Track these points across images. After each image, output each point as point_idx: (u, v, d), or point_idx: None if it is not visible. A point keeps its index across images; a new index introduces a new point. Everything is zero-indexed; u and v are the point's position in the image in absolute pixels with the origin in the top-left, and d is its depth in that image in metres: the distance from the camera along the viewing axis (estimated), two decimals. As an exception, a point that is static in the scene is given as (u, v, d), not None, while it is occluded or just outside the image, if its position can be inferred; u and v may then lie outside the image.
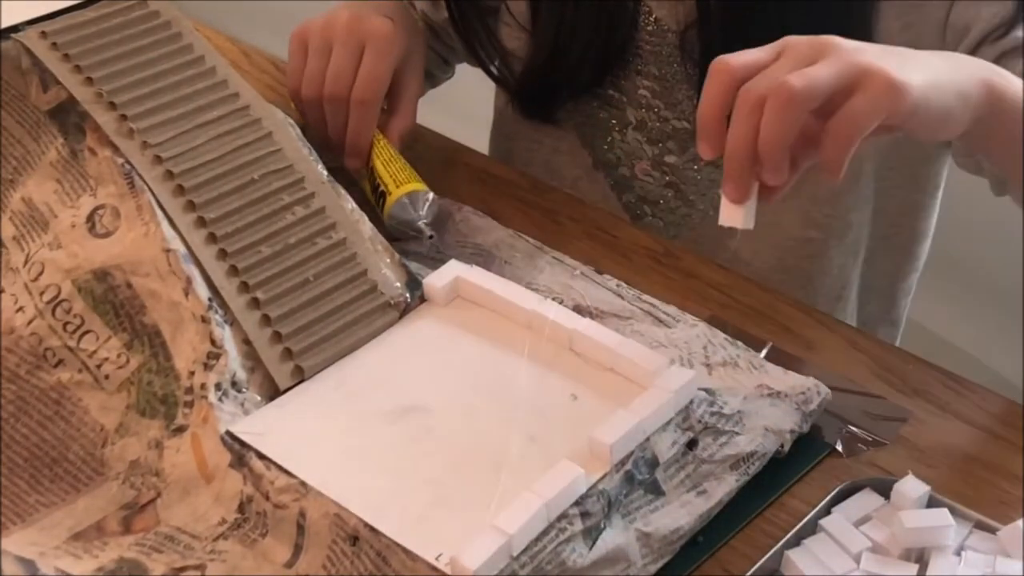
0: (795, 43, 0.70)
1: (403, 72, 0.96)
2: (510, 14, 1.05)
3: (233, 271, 0.76)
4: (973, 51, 0.90)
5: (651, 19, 1.00)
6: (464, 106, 1.13)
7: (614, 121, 1.04)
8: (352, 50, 0.93)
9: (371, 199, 0.92)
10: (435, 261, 0.84)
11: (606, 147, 1.05)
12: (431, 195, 0.90)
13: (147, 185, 0.77)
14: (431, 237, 0.89)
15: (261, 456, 0.69)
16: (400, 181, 0.90)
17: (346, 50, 0.93)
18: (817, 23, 0.86)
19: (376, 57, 0.92)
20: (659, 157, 1.03)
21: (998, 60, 0.88)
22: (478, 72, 1.09)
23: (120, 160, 0.78)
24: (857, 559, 0.66)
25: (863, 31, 0.92)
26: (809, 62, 0.68)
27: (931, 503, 0.68)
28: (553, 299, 0.79)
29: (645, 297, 0.84)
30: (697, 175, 1.02)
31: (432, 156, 0.96)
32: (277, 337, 0.75)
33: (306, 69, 0.94)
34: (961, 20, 0.91)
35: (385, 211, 0.90)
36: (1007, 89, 0.76)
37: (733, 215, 0.70)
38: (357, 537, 0.65)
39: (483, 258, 0.87)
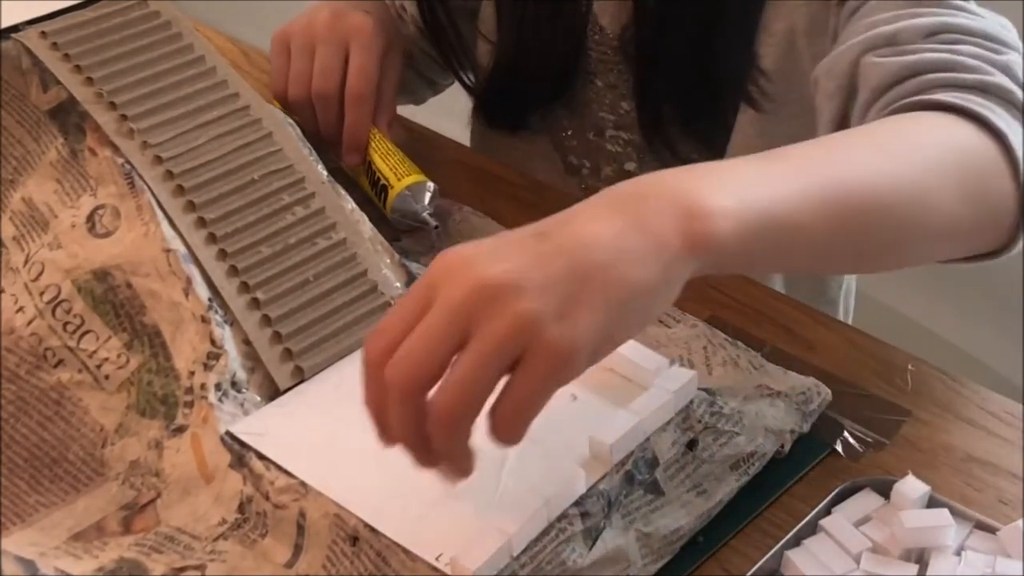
0: (448, 287, 0.57)
1: (383, 66, 0.97)
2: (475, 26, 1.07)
3: (233, 271, 0.76)
4: None
5: (596, 27, 1.01)
6: (463, 106, 1.13)
7: (577, 128, 1.05)
8: (336, 48, 0.94)
9: (371, 195, 0.92)
10: (435, 261, 0.84)
11: (573, 154, 1.06)
12: (432, 185, 0.90)
13: (147, 185, 0.77)
14: (436, 227, 0.89)
15: (261, 456, 0.69)
16: (401, 174, 0.91)
17: (331, 48, 0.94)
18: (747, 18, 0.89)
19: (363, 52, 0.94)
20: (620, 164, 1.05)
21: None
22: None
23: (120, 160, 0.78)
24: (857, 559, 0.66)
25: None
26: (463, 323, 0.56)
27: (931, 503, 0.68)
28: (553, 299, 0.79)
29: (645, 297, 0.83)
30: None
31: (432, 156, 0.96)
32: (277, 337, 0.75)
33: (291, 70, 0.95)
34: None
35: (388, 205, 0.90)
36: (713, 229, 0.60)
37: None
38: (357, 537, 0.65)
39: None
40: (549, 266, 0.57)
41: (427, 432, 0.58)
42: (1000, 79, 0.76)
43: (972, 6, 0.82)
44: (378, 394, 0.58)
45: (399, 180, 0.90)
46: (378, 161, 0.92)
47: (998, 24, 0.81)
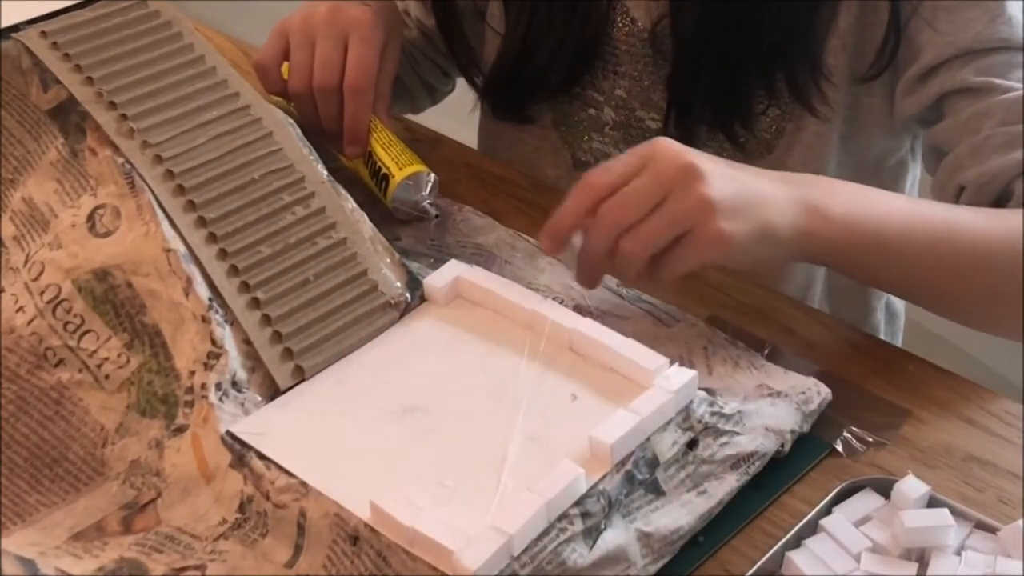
0: (660, 163, 0.76)
1: (383, 55, 0.97)
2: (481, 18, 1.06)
3: (233, 271, 0.76)
4: (925, 76, 0.92)
5: (627, 19, 1.00)
6: (465, 107, 1.13)
7: (591, 121, 1.05)
8: (336, 41, 0.94)
9: (371, 185, 0.92)
10: (435, 261, 0.84)
11: (583, 147, 1.06)
12: (433, 176, 0.91)
13: (147, 185, 0.77)
14: (437, 216, 0.89)
15: (261, 456, 0.69)
16: (402, 164, 0.91)
17: (330, 41, 0.94)
18: (783, 22, 0.93)
19: (362, 44, 0.94)
20: None
21: (943, 96, 0.90)
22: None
23: (120, 160, 0.78)
24: (857, 559, 0.66)
25: (824, 28, 0.94)
26: (663, 191, 0.74)
27: (931, 503, 0.68)
28: (553, 299, 0.79)
29: (645, 297, 0.84)
30: None
31: (433, 156, 0.96)
32: (277, 337, 0.75)
33: (291, 63, 0.95)
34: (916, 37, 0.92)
35: (389, 194, 0.90)
36: (824, 233, 0.79)
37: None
38: (357, 537, 0.65)
39: (483, 258, 0.87)
40: (731, 179, 0.76)
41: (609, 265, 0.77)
42: None
43: None
44: (579, 210, 0.77)
45: (400, 169, 0.91)
46: (379, 151, 0.92)
47: None
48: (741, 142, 0.98)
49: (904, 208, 0.84)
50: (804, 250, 0.80)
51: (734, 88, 0.97)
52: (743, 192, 0.76)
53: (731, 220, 0.74)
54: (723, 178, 0.75)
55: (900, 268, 0.82)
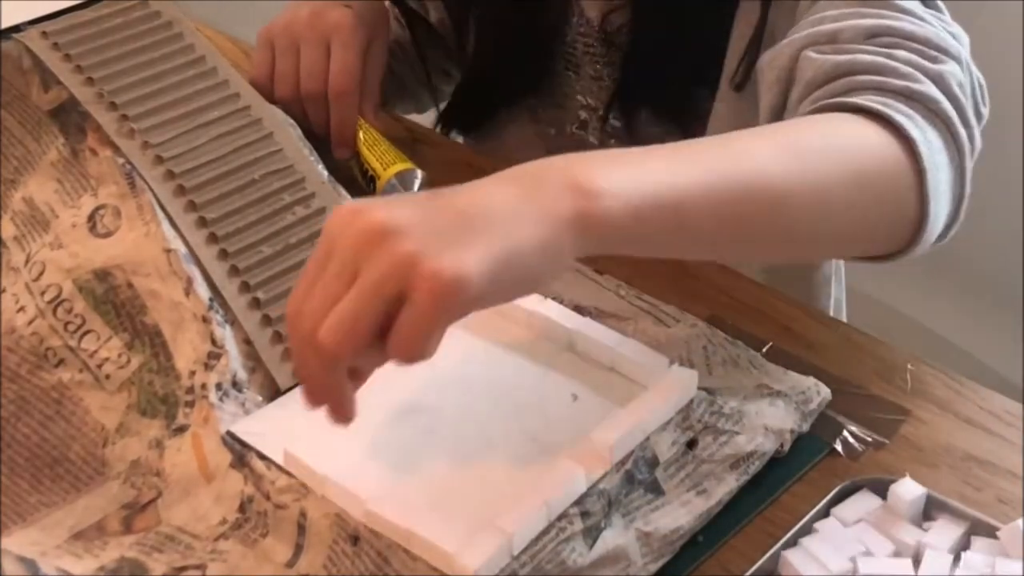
0: (339, 239, 0.60)
1: (367, 55, 0.98)
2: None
3: (234, 271, 0.76)
4: None
5: (583, 19, 1.01)
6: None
7: (559, 123, 1.06)
8: (318, 46, 0.95)
9: (364, 186, 0.93)
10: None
11: (553, 147, 1.07)
12: (420, 172, 0.91)
13: (148, 185, 0.77)
14: None
15: (262, 456, 0.69)
16: (387, 163, 0.92)
17: (312, 47, 0.95)
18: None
19: (344, 49, 0.95)
20: (604, 145, 1.05)
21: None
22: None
23: (121, 160, 0.78)
24: (854, 559, 0.66)
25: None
26: (353, 268, 0.59)
27: (931, 503, 0.68)
28: (553, 299, 0.79)
29: (645, 297, 0.84)
30: None
31: (433, 156, 0.96)
32: (278, 337, 0.75)
33: (276, 70, 0.96)
34: None
35: (377, 194, 0.90)
36: (598, 208, 0.62)
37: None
38: (358, 537, 0.65)
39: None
40: (436, 217, 0.60)
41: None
42: (927, 87, 0.76)
43: (920, 10, 0.81)
44: (292, 344, 0.61)
45: (386, 169, 0.91)
46: (365, 152, 0.93)
47: (946, 32, 0.80)
48: (692, 128, 0.98)
49: (690, 155, 0.69)
50: (580, 243, 0.62)
51: (676, 73, 0.97)
52: (462, 219, 0.60)
53: (450, 253, 0.58)
54: (425, 219, 0.59)
55: (702, 231, 0.68)
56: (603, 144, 1.05)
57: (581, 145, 1.05)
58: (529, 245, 0.60)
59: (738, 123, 0.91)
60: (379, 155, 0.93)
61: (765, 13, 0.92)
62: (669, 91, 0.99)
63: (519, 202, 0.61)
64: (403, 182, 0.91)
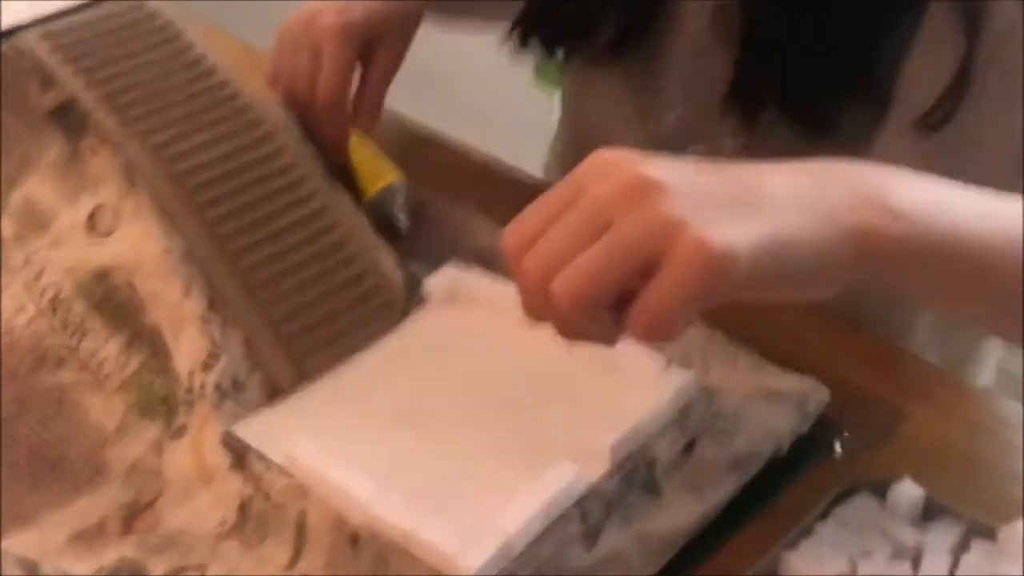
0: (596, 184, 0.54)
1: (376, 50, 0.93)
2: None
3: (234, 271, 0.76)
4: None
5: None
6: (467, 108, 1.13)
7: (656, 113, 0.92)
8: (311, 53, 0.90)
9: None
10: (436, 262, 0.84)
11: (654, 138, 0.93)
12: (401, 184, 0.90)
13: (148, 185, 0.77)
14: (408, 226, 0.89)
15: (261, 457, 0.69)
16: (370, 181, 0.91)
17: (305, 54, 0.91)
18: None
19: (332, 60, 0.89)
20: (716, 139, 0.88)
21: None
22: (483, 70, 1.08)
23: (120, 160, 0.78)
24: (854, 561, 0.66)
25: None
26: (603, 218, 0.53)
27: (930, 503, 0.68)
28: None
29: (645, 297, 0.83)
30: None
31: (433, 156, 0.96)
32: (278, 337, 0.75)
33: (278, 70, 0.94)
34: None
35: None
36: (891, 230, 0.56)
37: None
38: (357, 538, 0.65)
39: (483, 259, 0.87)
40: (710, 183, 0.54)
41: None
42: None
43: None
44: (519, 281, 0.56)
45: (370, 185, 0.91)
46: (355, 166, 0.92)
47: None
48: (825, 135, 0.81)
49: (987, 201, 0.60)
50: (858, 260, 0.55)
51: (810, 69, 0.80)
52: (737, 192, 0.54)
53: (719, 226, 0.52)
54: (698, 183, 0.54)
55: (987, 284, 0.60)
56: (715, 126, 0.86)
57: (681, 147, 0.89)
58: (804, 239, 0.54)
59: (920, 164, 0.64)
60: (364, 173, 0.91)
61: (971, 49, 0.76)
62: (791, 79, 0.81)
63: (806, 192, 0.55)
64: (387, 199, 0.90)
